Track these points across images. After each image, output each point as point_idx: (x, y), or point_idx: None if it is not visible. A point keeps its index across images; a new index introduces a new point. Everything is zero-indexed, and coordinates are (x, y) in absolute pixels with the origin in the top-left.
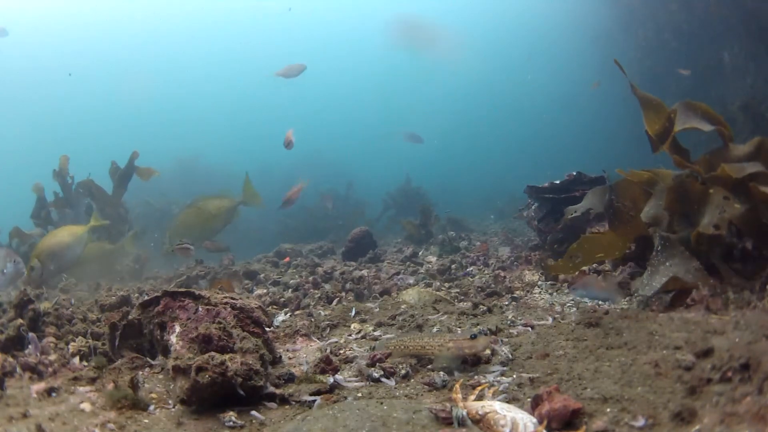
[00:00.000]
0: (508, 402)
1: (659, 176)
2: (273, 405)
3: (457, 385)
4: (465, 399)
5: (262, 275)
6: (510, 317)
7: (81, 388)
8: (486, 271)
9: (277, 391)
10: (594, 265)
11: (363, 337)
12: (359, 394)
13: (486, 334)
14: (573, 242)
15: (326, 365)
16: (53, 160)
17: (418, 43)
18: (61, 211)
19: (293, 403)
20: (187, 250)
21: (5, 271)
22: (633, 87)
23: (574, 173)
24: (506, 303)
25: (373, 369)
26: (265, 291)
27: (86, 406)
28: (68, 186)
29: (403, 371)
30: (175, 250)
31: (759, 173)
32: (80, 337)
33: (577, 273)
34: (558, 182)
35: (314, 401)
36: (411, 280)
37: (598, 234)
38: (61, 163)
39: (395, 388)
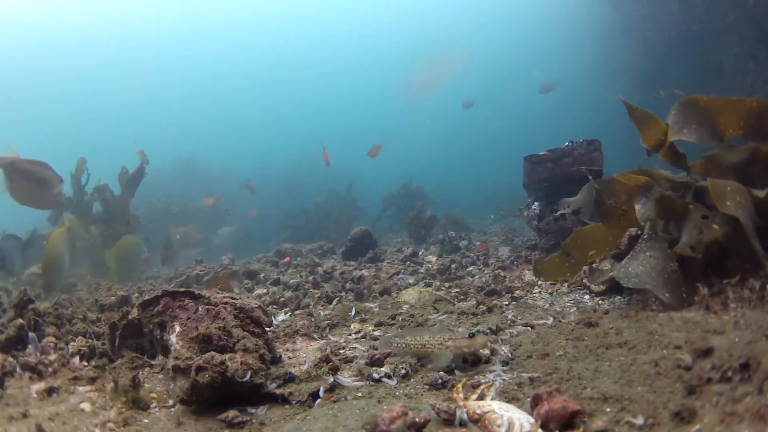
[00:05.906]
0: (507, 402)
1: (655, 178)
2: (273, 405)
3: (459, 385)
4: (466, 399)
5: (262, 275)
6: (510, 317)
7: (81, 388)
8: (486, 271)
9: (278, 391)
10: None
11: (363, 337)
12: (359, 394)
13: (486, 334)
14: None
15: (326, 365)
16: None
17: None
18: (73, 213)
19: (293, 402)
20: None
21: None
22: (629, 108)
23: (567, 143)
24: (506, 303)
25: (373, 369)
26: (265, 291)
27: (86, 405)
28: (81, 188)
29: (402, 371)
30: None
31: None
32: (80, 337)
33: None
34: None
35: (316, 396)
36: (411, 280)
37: (591, 227)
38: (78, 164)
39: (395, 387)
